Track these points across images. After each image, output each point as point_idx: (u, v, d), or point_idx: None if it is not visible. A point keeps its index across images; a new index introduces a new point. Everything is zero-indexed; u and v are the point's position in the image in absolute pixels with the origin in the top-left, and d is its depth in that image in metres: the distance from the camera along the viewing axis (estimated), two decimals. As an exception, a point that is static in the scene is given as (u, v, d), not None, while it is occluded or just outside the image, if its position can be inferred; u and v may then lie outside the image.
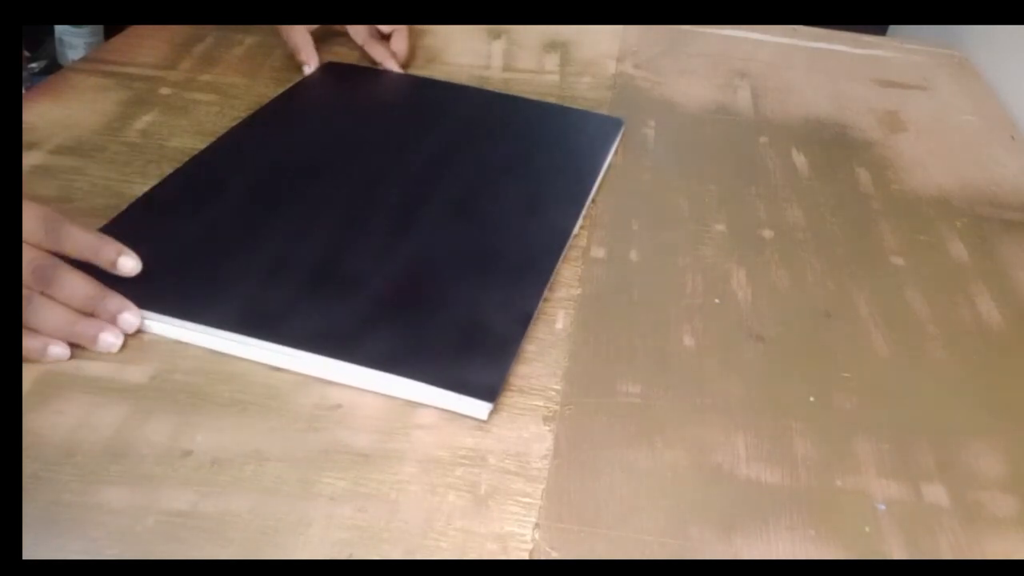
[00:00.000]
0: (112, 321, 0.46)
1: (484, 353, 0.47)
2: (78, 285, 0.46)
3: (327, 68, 0.74)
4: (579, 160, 0.66)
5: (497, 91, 0.74)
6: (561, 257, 0.56)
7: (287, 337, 0.46)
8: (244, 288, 0.49)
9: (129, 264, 0.47)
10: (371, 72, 0.75)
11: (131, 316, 0.46)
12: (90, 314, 0.46)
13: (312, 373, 0.46)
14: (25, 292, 0.44)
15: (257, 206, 0.56)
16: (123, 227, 0.52)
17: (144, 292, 0.48)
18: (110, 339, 0.46)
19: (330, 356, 0.45)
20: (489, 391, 0.45)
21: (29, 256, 0.44)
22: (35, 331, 0.45)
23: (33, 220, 0.45)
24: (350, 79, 0.74)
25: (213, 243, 0.51)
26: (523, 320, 0.50)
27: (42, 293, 0.45)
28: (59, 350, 0.45)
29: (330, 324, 0.47)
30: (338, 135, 0.65)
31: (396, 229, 0.55)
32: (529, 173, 0.64)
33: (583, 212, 0.60)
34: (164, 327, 0.47)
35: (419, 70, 0.78)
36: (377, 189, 0.59)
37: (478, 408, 0.44)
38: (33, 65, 0.69)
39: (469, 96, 0.72)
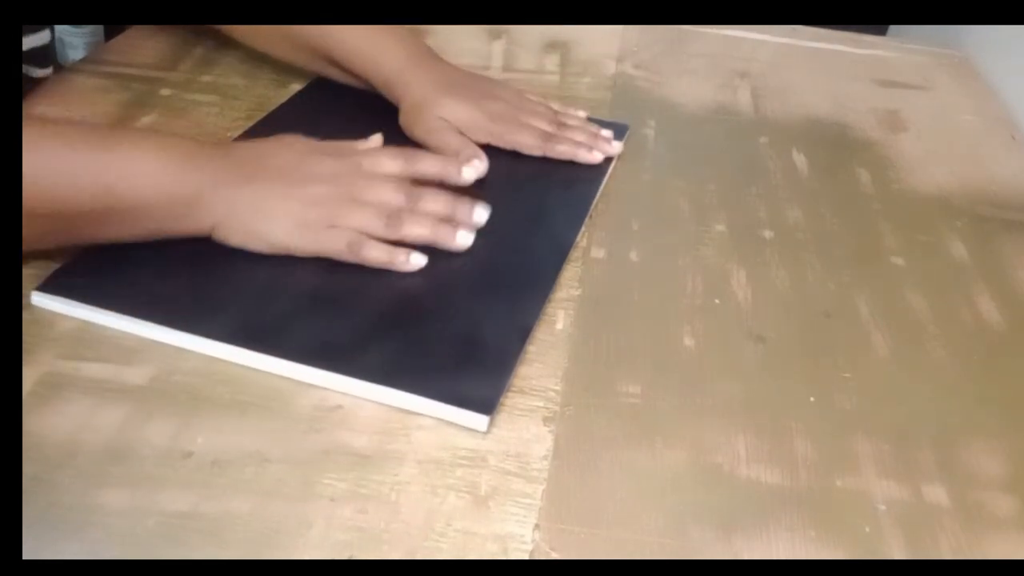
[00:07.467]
0: (468, 223, 0.55)
1: (482, 366, 0.47)
2: (440, 197, 0.54)
3: (319, 83, 0.72)
4: (582, 168, 0.66)
5: None
6: (561, 269, 0.56)
7: (286, 350, 0.46)
8: (244, 300, 0.49)
9: (472, 174, 0.57)
10: None
11: (483, 210, 0.56)
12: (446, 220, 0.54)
13: (311, 382, 0.46)
14: (395, 214, 0.52)
15: None
16: None
17: (144, 301, 0.48)
18: (467, 234, 0.54)
19: (329, 369, 0.45)
20: (487, 404, 0.45)
21: (395, 184, 0.53)
22: (400, 244, 0.52)
23: (392, 153, 0.55)
24: (344, 93, 0.71)
25: (214, 255, 0.51)
26: (522, 334, 0.50)
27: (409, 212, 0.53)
28: (421, 259, 0.52)
29: (330, 336, 0.47)
30: None
31: None
32: (530, 182, 0.63)
33: (584, 223, 0.60)
34: (164, 336, 0.47)
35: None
36: None
37: (476, 421, 0.44)
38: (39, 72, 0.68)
39: None
